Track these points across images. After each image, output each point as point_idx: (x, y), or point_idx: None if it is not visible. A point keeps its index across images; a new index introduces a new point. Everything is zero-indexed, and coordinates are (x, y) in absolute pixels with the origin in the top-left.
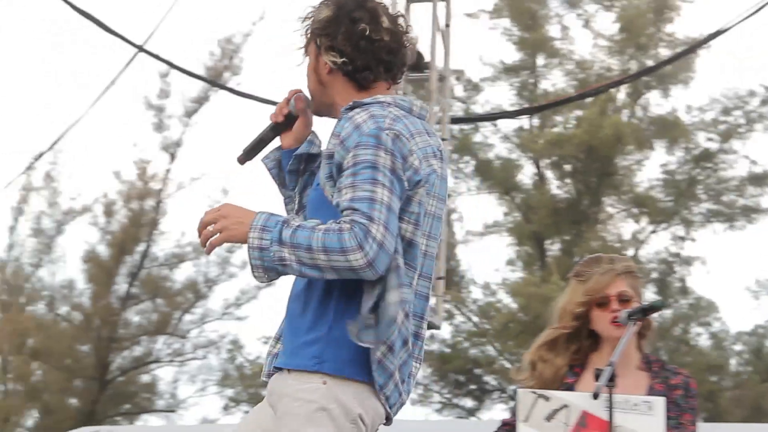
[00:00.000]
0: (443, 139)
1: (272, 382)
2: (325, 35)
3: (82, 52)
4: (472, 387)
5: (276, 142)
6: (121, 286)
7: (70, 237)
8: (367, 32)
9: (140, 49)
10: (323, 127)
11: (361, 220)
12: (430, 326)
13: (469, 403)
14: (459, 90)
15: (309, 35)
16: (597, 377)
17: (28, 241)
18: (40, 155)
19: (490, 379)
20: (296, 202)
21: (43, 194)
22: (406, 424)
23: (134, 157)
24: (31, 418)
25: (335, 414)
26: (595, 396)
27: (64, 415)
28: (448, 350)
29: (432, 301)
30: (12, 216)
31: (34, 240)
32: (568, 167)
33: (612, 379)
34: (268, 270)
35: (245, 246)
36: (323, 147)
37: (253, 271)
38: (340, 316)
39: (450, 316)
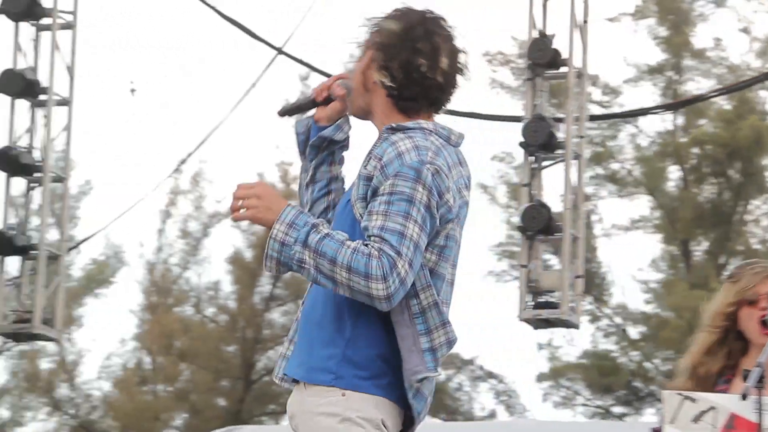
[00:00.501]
0: (580, 137)
1: (291, 404)
2: (383, 52)
3: (222, 55)
4: (622, 392)
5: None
6: (265, 287)
7: (216, 239)
8: (424, 68)
9: (279, 51)
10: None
11: (390, 252)
12: (569, 325)
13: (617, 409)
14: (597, 94)
15: (370, 38)
16: (745, 378)
17: (176, 243)
18: (185, 159)
19: (639, 384)
20: (309, 174)
21: (190, 197)
22: (552, 425)
23: (276, 159)
24: (180, 418)
25: (359, 422)
26: (744, 397)
27: (211, 415)
28: (592, 351)
29: (570, 300)
30: (160, 219)
31: (181, 242)
32: (710, 168)
33: (761, 380)
34: (281, 265)
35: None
36: (364, 167)
37: (265, 260)
38: (358, 333)
39: (594, 318)
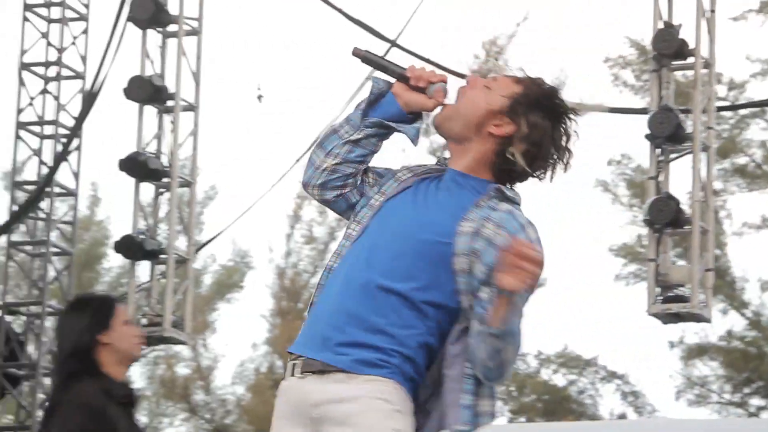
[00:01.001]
0: (709, 128)
1: (328, 391)
2: (523, 117)
3: (334, 48)
4: (760, 384)
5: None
6: None
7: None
8: (546, 160)
9: (393, 44)
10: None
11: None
12: (700, 319)
13: (756, 401)
14: (722, 91)
15: (513, 92)
16: None
17: (303, 248)
18: (301, 157)
19: None
20: (355, 134)
21: (315, 202)
22: (683, 423)
23: (400, 159)
24: None
25: (407, 414)
26: None
27: None
28: (725, 346)
29: (700, 293)
30: (288, 224)
31: (308, 247)
32: None
33: None
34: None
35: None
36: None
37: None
38: (413, 338)
39: (725, 313)
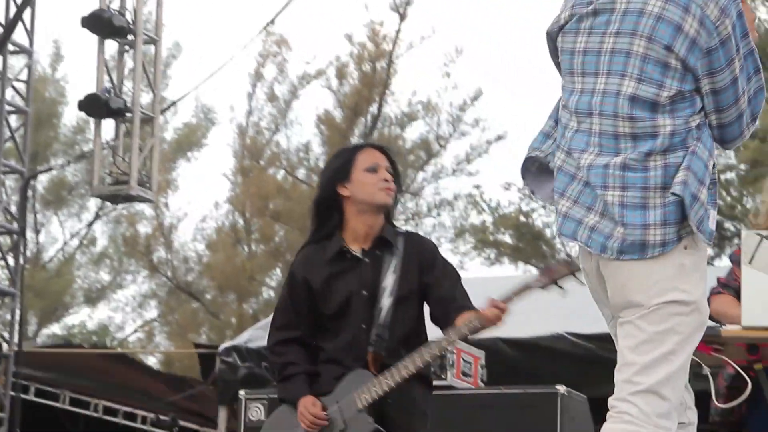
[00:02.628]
0: None
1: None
2: None
3: None
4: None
5: None
6: None
7: (305, 101)
8: None
9: None
10: None
11: None
12: None
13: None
14: None
15: None
16: None
17: (266, 106)
18: (273, 19)
19: (730, 226)
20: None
21: (278, 60)
22: None
23: (365, 19)
24: (275, 277)
25: None
26: None
27: None
28: None
29: None
30: (250, 83)
31: (270, 105)
32: None
33: None
34: None
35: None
36: None
37: None
38: None
39: None
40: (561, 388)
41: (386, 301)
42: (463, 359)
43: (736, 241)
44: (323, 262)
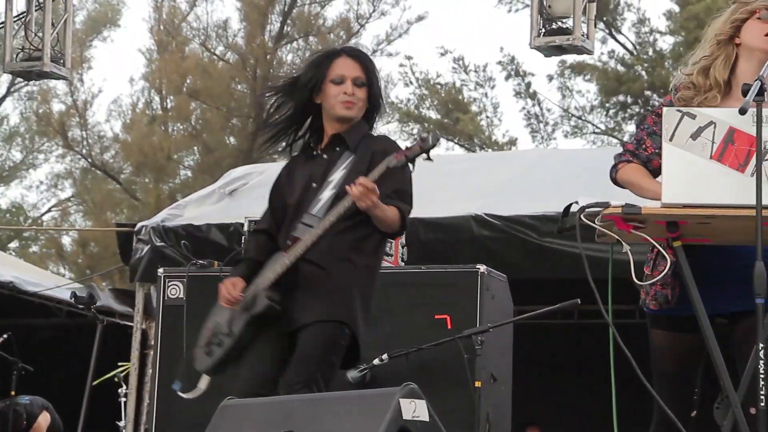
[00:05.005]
0: None
1: None
2: None
3: None
4: (638, 111)
5: None
6: (274, 25)
7: None
8: None
9: None
10: None
11: None
12: (582, 51)
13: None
14: None
15: None
16: (744, 93)
17: None
18: None
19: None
20: None
21: None
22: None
23: None
24: (193, 156)
25: None
26: (742, 111)
27: (223, 153)
28: (621, 69)
29: (583, 25)
30: None
31: None
32: None
33: (761, 93)
34: None
35: None
36: None
37: None
38: None
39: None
40: (481, 267)
41: (327, 194)
42: None
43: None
44: (300, 161)
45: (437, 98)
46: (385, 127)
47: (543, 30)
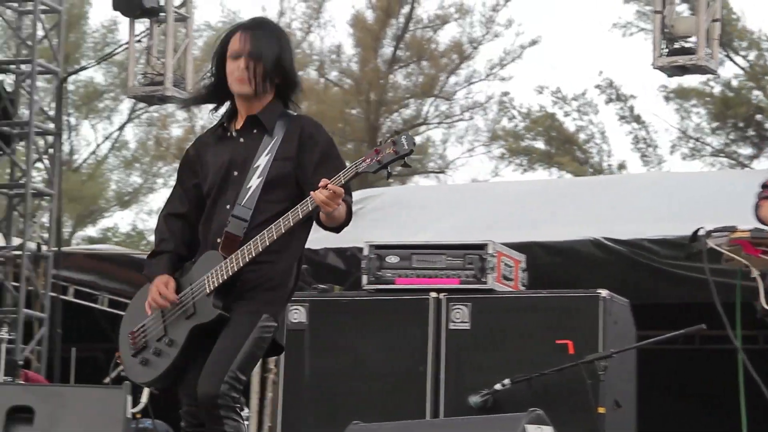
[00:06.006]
0: None
1: None
2: None
3: None
4: (752, 133)
5: None
6: (387, 49)
7: (338, 1)
8: None
9: None
10: None
11: None
12: (706, 71)
13: (748, 150)
14: None
15: None
16: None
17: (298, 6)
18: None
19: None
20: None
21: None
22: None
23: None
24: None
25: None
26: None
27: None
28: (730, 94)
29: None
30: None
31: (303, 5)
32: None
33: None
34: None
35: None
36: None
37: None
38: None
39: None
40: (603, 292)
41: (254, 182)
42: (504, 263)
43: None
44: (210, 142)
45: (542, 128)
46: (493, 155)
47: (666, 50)
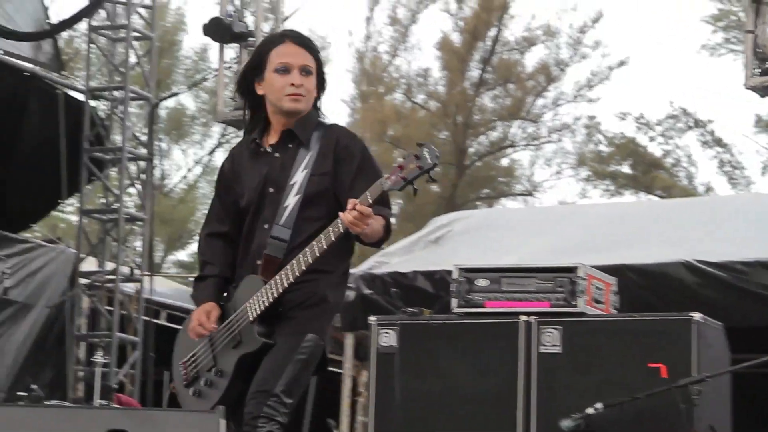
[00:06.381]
0: None
1: None
2: None
3: None
4: None
5: None
6: (474, 72)
7: (424, 25)
8: None
9: None
10: None
11: None
12: None
13: None
14: None
15: None
16: None
17: (385, 30)
18: None
19: None
20: None
21: None
22: None
23: None
24: (396, 204)
25: None
26: None
27: (426, 200)
28: None
29: None
30: (368, 6)
31: (390, 29)
32: None
33: None
34: None
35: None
36: None
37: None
38: None
39: None
40: (696, 315)
41: (292, 200)
42: (595, 286)
43: None
44: (245, 156)
45: (627, 153)
46: (581, 176)
47: (758, 71)
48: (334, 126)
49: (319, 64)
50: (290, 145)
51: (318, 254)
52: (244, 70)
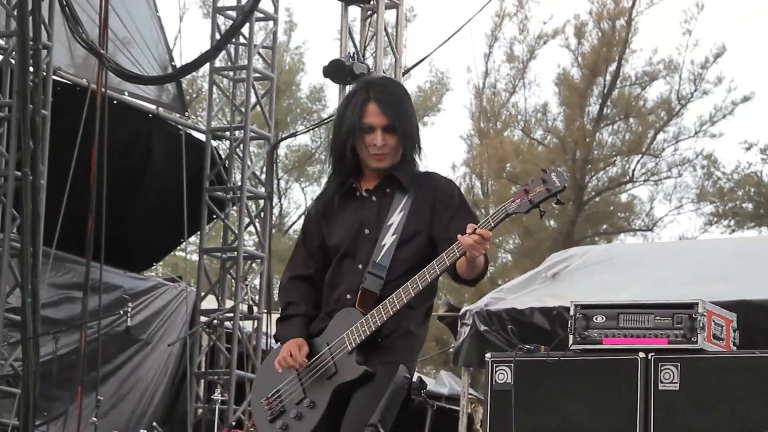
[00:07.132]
0: None
1: None
2: None
3: None
4: None
5: None
6: (594, 107)
7: (543, 61)
8: None
9: None
10: None
11: None
12: None
13: None
14: None
15: None
16: None
17: (503, 67)
18: None
19: None
20: None
21: (515, 20)
22: None
23: None
24: (513, 239)
25: None
26: None
27: (543, 236)
28: None
29: None
30: (486, 43)
31: (508, 66)
32: None
33: None
34: None
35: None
36: None
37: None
38: None
39: None
40: None
41: (389, 240)
42: (714, 322)
43: None
44: (336, 200)
45: (749, 185)
46: (702, 212)
47: None
48: (430, 173)
49: (402, 120)
50: (388, 190)
51: (429, 280)
52: (346, 128)
